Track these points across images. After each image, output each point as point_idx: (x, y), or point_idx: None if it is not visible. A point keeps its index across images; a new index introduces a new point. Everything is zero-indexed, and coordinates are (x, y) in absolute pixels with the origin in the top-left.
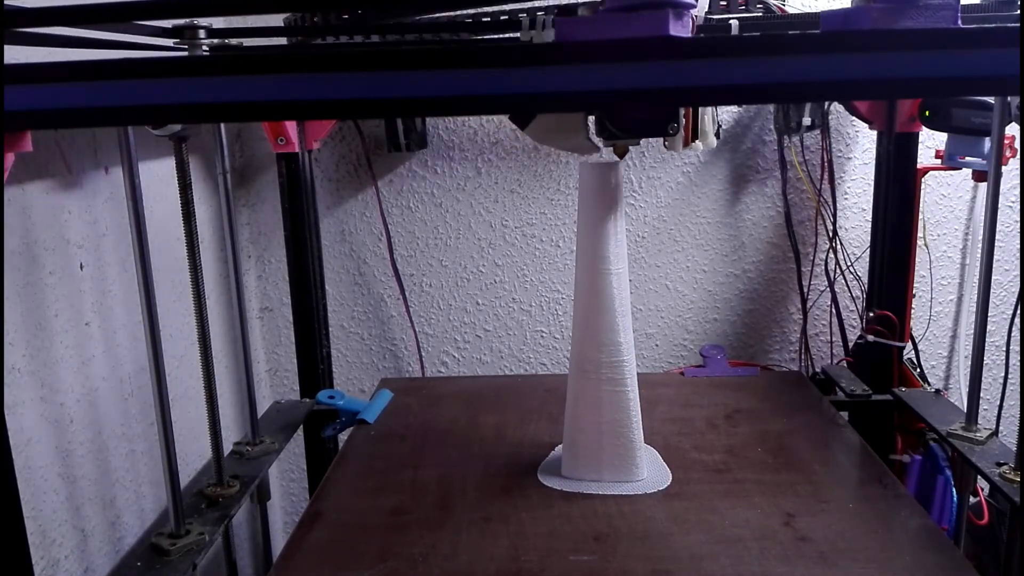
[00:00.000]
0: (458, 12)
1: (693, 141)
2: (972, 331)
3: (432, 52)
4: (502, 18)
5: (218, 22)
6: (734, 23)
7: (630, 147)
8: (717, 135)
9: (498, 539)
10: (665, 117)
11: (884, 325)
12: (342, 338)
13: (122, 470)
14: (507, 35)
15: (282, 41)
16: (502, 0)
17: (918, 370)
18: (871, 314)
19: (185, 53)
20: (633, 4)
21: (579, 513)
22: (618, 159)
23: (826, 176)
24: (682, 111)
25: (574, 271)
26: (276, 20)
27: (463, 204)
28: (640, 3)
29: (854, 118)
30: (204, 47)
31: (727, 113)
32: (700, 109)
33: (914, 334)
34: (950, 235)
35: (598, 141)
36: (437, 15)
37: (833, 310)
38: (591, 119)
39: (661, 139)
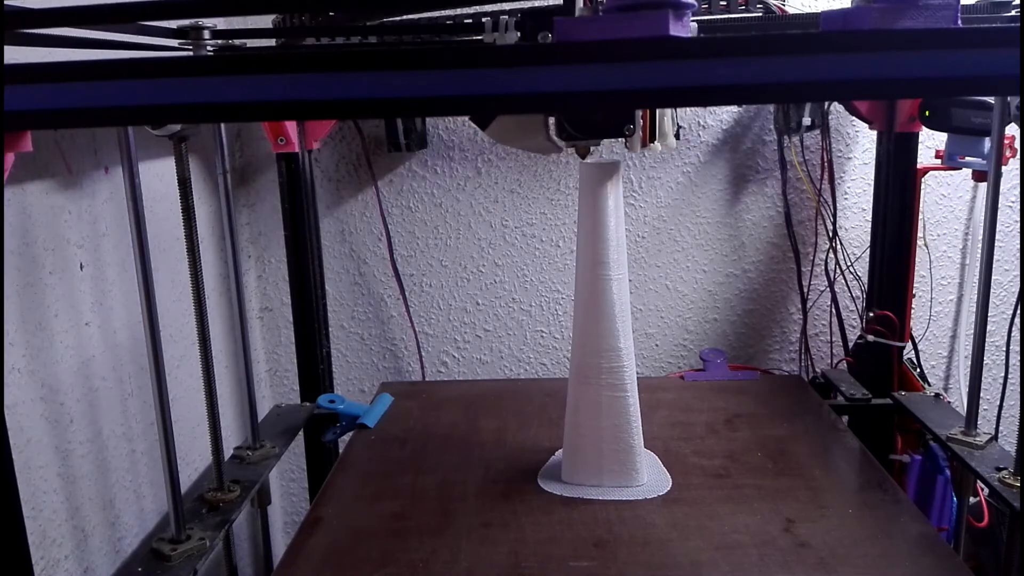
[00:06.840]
0: (421, 15)
1: (652, 142)
2: (972, 331)
3: (432, 52)
4: (465, 21)
5: (220, 23)
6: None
7: (591, 148)
8: (677, 136)
9: (498, 545)
10: (621, 119)
11: (884, 325)
12: (342, 338)
13: (122, 470)
14: (471, 37)
15: (272, 42)
16: (466, 3)
17: (918, 370)
18: (871, 314)
19: (190, 53)
20: (633, 4)
21: (579, 519)
22: (617, 159)
23: (826, 176)
24: (638, 112)
25: (574, 272)
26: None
27: (463, 204)
28: (640, 3)
29: (854, 118)
30: (208, 47)
31: (727, 113)
32: (659, 110)
33: (914, 334)
34: (950, 235)
35: (559, 141)
36: (399, 18)
37: (833, 310)
38: (551, 119)
39: (623, 140)
